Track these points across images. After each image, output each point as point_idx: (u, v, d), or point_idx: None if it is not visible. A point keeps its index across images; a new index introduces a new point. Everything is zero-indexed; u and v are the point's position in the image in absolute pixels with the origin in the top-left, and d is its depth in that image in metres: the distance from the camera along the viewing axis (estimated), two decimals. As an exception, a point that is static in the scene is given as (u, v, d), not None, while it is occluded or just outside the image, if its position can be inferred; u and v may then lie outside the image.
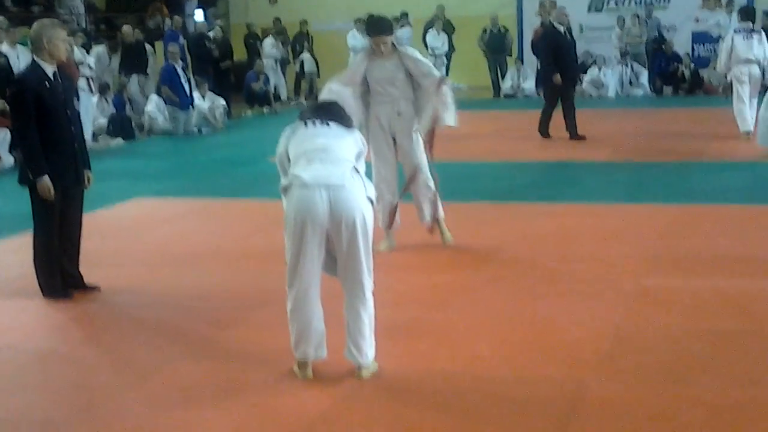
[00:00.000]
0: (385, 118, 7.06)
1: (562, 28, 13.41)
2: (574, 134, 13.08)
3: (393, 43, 7.00)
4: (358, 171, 4.69)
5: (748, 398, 4.35)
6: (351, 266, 4.62)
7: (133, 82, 16.80)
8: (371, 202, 4.68)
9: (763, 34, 12.54)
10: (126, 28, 17.14)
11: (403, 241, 7.23)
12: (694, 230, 7.58)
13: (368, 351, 4.72)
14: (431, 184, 7.13)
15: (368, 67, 7.03)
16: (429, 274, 6.63)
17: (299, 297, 4.64)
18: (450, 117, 6.95)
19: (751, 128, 11.96)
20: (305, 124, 4.81)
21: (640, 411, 4.25)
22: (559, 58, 13.14)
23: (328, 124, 4.79)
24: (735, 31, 12.76)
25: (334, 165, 4.61)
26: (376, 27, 7.07)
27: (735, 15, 18.69)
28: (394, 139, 7.11)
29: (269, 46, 20.35)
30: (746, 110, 12.30)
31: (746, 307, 5.64)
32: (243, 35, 21.30)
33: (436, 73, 7.02)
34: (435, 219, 7.21)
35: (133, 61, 16.86)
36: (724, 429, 4.06)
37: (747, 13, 12.93)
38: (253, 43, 20.90)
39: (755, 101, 12.27)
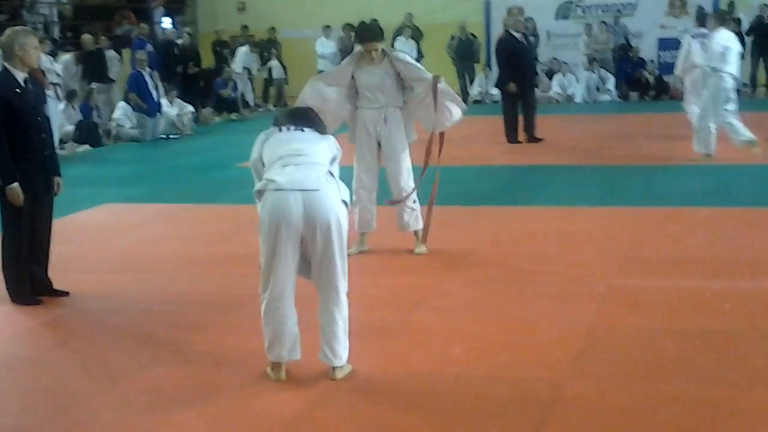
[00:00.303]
0: (372, 124, 7.03)
1: (518, 35, 13.72)
2: (531, 136, 13.42)
3: (383, 49, 6.97)
4: (332, 174, 4.69)
5: (720, 396, 4.39)
6: (325, 269, 4.62)
7: (98, 90, 16.69)
8: (345, 204, 4.69)
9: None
10: (86, 36, 16.98)
11: (376, 245, 7.23)
12: (662, 232, 7.64)
13: (342, 353, 4.71)
14: (413, 193, 7.10)
15: (356, 72, 7.00)
16: (402, 277, 6.64)
17: (273, 299, 4.62)
18: (457, 112, 7.04)
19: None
20: (279, 129, 4.83)
21: (614, 409, 4.28)
22: (516, 65, 13.50)
23: (302, 130, 4.81)
24: (692, 36, 12.86)
25: (309, 169, 4.62)
26: (367, 33, 7.01)
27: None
28: (379, 144, 7.09)
29: (243, 54, 20.28)
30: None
31: (715, 307, 5.69)
32: (211, 42, 21.24)
33: (429, 76, 6.94)
34: (414, 229, 7.20)
35: (93, 69, 16.70)
36: (697, 426, 4.09)
37: (704, 18, 13.03)
38: (220, 50, 20.86)
39: None
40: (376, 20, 7.29)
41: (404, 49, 19.79)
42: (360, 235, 7.20)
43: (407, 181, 7.09)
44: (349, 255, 6.67)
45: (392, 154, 7.06)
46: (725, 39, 11.07)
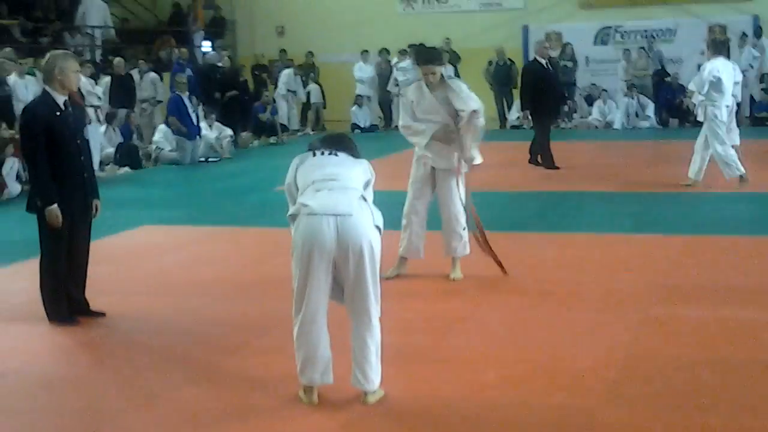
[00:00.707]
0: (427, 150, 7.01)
1: (543, 62, 13.80)
2: (533, 159, 13.65)
3: (441, 75, 6.95)
4: (365, 199, 4.70)
5: (757, 428, 4.33)
6: (358, 294, 4.62)
7: (137, 115, 16.91)
8: (379, 230, 4.69)
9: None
10: (117, 60, 17.17)
11: (411, 269, 7.21)
12: (700, 260, 7.57)
13: (374, 378, 4.70)
14: (462, 219, 7.06)
15: (416, 97, 6.98)
16: (436, 302, 6.62)
17: (306, 323, 4.63)
18: (476, 154, 7.03)
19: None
20: (314, 154, 4.85)
21: (648, 438, 4.23)
22: (539, 91, 13.52)
23: (336, 154, 4.83)
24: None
25: (342, 193, 4.63)
26: (426, 56, 7.02)
27: (747, 49, 18.83)
28: (433, 169, 7.08)
29: (286, 76, 20.41)
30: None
31: (753, 337, 5.62)
32: (250, 66, 21.42)
33: (472, 106, 6.92)
34: (461, 256, 7.13)
35: (122, 93, 16.85)
36: (733, 457, 4.04)
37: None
38: (259, 74, 21.02)
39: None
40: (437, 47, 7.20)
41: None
42: (400, 259, 7.16)
43: (458, 208, 7.04)
44: (387, 278, 6.79)
45: (445, 182, 7.02)
46: (717, 68, 11.01)
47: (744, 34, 19.24)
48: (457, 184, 7.03)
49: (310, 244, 4.52)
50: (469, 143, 6.95)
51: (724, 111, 11.05)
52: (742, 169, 11.13)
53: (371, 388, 4.70)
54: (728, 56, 12.45)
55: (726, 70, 11.14)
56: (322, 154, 4.84)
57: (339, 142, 4.96)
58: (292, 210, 4.69)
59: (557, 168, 13.26)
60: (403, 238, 7.08)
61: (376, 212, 4.72)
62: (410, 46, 18.36)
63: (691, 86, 11.81)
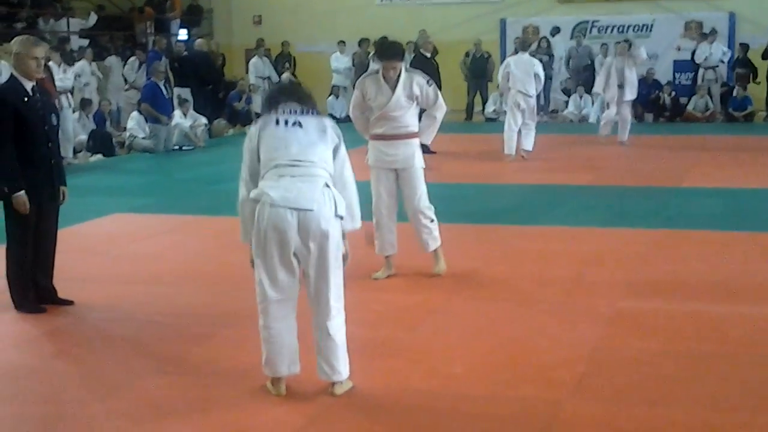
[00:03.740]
0: (386, 146, 6.88)
1: (428, 55, 14.48)
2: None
3: (402, 68, 6.82)
4: (329, 186, 4.62)
5: (722, 421, 4.35)
6: (320, 285, 4.59)
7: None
8: (341, 218, 4.64)
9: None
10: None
11: (380, 261, 7.15)
12: (671, 255, 7.59)
13: (341, 369, 4.67)
14: (431, 213, 6.96)
15: (374, 92, 6.83)
16: (406, 294, 6.60)
17: (270, 313, 4.59)
18: (427, 137, 7.04)
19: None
20: (276, 122, 4.70)
21: (615, 431, 4.24)
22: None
23: (300, 125, 4.68)
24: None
25: (305, 183, 4.55)
26: (388, 52, 6.83)
27: (715, 45, 18.98)
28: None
29: (253, 65, 20.35)
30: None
31: (721, 331, 5.64)
32: (226, 55, 21.30)
33: (438, 103, 6.93)
34: (433, 249, 7.01)
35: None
36: (698, 451, 4.05)
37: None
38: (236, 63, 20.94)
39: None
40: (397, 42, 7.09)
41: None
42: (386, 259, 7.04)
43: (426, 203, 6.95)
44: (376, 279, 6.82)
45: (409, 177, 6.89)
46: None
47: (713, 30, 19.30)
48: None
49: (271, 235, 4.48)
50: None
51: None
52: None
53: (338, 378, 4.67)
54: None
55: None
56: (286, 124, 4.68)
57: (299, 98, 4.79)
58: (254, 195, 4.58)
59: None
60: (377, 236, 6.99)
61: (339, 200, 4.64)
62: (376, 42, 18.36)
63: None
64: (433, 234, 6.98)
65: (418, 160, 6.91)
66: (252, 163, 4.73)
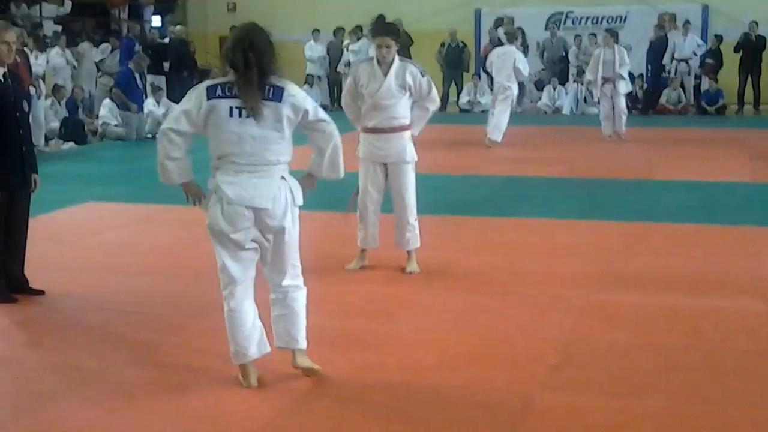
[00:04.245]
0: (376, 137, 6.79)
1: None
2: None
3: (396, 56, 6.69)
4: (285, 178, 4.58)
5: (693, 414, 4.39)
6: (277, 266, 4.66)
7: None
8: (299, 207, 4.66)
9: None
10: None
11: (353, 253, 7.14)
12: (644, 247, 7.64)
13: (299, 337, 4.74)
14: (415, 211, 6.88)
15: (366, 78, 6.72)
16: (378, 286, 6.61)
17: (236, 295, 4.62)
18: (417, 128, 6.92)
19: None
20: (230, 112, 4.46)
21: (585, 423, 4.26)
22: None
23: (252, 116, 4.44)
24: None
25: (262, 178, 4.50)
26: (381, 27, 6.75)
27: (690, 36, 19.07)
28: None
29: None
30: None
31: (693, 324, 5.68)
32: (201, 42, 21.18)
33: (433, 95, 6.81)
34: (413, 248, 6.94)
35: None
36: (668, 443, 4.09)
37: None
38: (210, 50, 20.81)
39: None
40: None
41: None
42: (361, 251, 7.01)
43: (411, 199, 6.87)
44: (349, 269, 6.81)
45: (398, 172, 6.80)
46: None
47: (687, 21, 19.40)
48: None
49: (228, 228, 4.51)
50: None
51: None
52: None
53: (296, 345, 4.73)
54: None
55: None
56: (240, 115, 4.45)
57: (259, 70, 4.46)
58: (211, 186, 4.59)
59: None
60: (361, 229, 6.93)
61: (297, 190, 4.61)
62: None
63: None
64: (415, 233, 6.91)
65: (410, 154, 6.82)
66: (189, 127, 4.55)
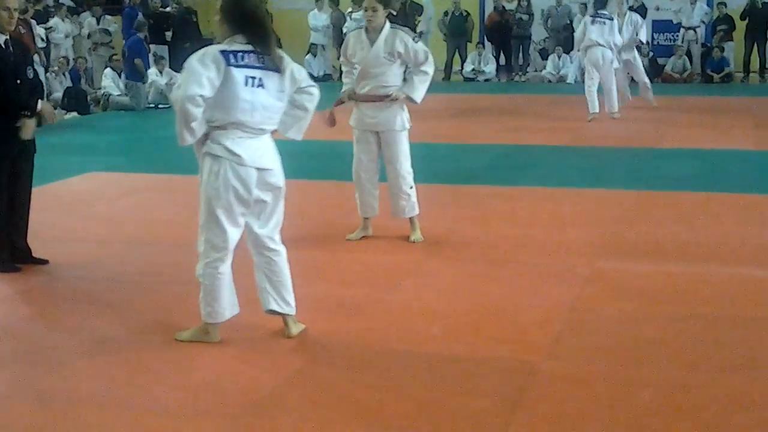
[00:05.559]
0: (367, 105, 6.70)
1: None
2: None
3: (388, 22, 6.55)
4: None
5: (696, 381, 4.38)
6: (272, 226, 4.81)
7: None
8: None
9: (615, 22, 13.47)
10: None
11: (357, 223, 7.10)
12: (649, 216, 7.62)
13: (292, 302, 4.87)
14: (410, 179, 6.79)
15: (354, 47, 6.66)
16: (383, 255, 6.59)
17: (227, 260, 4.77)
18: (418, 94, 6.69)
19: (597, 110, 13.16)
20: (245, 82, 4.55)
21: (589, 392, 4.26)
22: None
23: (262, 86, 4.60)
24: (590, 16, 13.69)
25: (263, 141, 4.73)
26: None
27: (698, 4, 18.94)
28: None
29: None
30: (594, 92, 13.29)
31: (698, 292, 5.67)
32: (203, 12, 21.04)
33: (431, 61, 6.65)
34: (410, 216, 6.86)
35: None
36: (672, 410, 4.08)
37: (602, 2, 13.86)
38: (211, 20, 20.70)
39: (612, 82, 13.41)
40: None
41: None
42: (363, 220, 6.96)
43: (406, 168, 6.78)
44: (350, 239, 6.81)
45: (390, 140, 6.72)
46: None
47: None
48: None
49: (235, 191, 4.63)
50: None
51: None
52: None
53: (291, 311, 4.86)
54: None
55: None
56: (253, 84, 4.57)
57: (261, 44, 4.62)
58: (218, 152, 4.62)
59: None
60: (357, 198, 6.90)
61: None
62: None
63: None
64: (411, 200, 6.82)
65: (401, 122, 6.72)
66: (212, 92, 4.49)
